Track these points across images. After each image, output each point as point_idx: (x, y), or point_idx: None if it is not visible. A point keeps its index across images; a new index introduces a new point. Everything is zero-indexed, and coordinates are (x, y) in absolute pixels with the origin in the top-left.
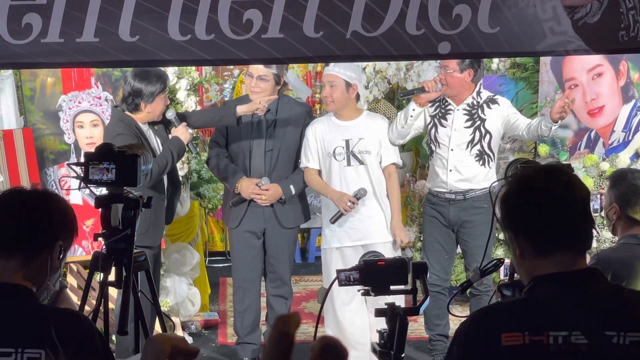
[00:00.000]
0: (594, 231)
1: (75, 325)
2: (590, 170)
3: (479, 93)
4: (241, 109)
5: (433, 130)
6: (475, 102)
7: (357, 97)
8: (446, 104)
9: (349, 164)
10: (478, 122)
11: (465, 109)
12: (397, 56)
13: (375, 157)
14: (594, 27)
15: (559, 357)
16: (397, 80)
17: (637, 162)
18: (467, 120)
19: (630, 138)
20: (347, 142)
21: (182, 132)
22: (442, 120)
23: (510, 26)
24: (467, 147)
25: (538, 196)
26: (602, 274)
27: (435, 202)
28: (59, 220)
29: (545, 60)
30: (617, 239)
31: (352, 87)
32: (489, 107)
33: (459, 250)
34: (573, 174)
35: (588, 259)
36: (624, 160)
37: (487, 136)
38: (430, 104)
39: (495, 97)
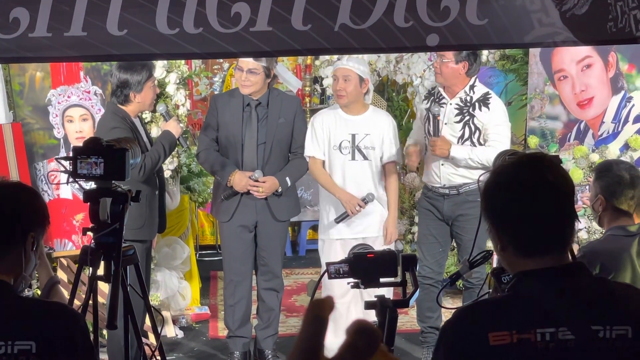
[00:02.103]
0: (579, 223)
1: (63, 317)
2: (580, 162)
3: (472, 87)
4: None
5: (427, 124)
6: (468, 98)
7: (367, 92)
8: (440, 97)
9: (353, 158)
10: (467, 118)
11: (457, 104)
12: (385, 48)
13: (378, 153)
14: (582, 18)
15: (547, 355)
16: (386, 72)
17: (627, 153)
18: (457, 115)
19: (619, 129)
20: (353, 136)
21: (173, 127)
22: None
23: (499, 18)
24: (458, 142)
25: (522, 199)
26: (587, 268)
27: (430, 195)
28: (28, 213)
29: (535, 52)
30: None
31: (365, 82)
32: (480, 108)
33: (454, 243)
34: (558, 165)
35: (576, 249)
36: (613, 151)
37: (477, 132)
38: (424, 99)
39: (489, 99)
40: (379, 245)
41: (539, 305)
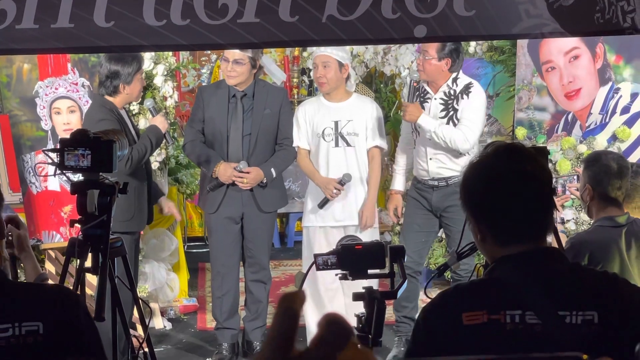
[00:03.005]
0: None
1: (66, 299)
2: (568, 153)
3: (455, 80)
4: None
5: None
6: (451, 91)
7: (347, 78)
8: (425, 92)
9: (336, 145)
10: (452, 113)
11: (442, 99)
12: (373, 40)
13: (362, 139)
14: (569, 9)
15: (516, 336)
16: (374, 64)
17: (614, 145)
18: (442, 110)
19: (607, 120)
20: (336, 123)
21: (160, 122)
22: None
23: (486, 9)
24: None
25: (501, 189)
26: (562, 254)
27: (420, 187)
28: None
29: (522, 43)
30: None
31: (344, 68)
32: (462, 98)
33: (440, 234)
34: (534, 154)
35: (564, 240)
36: (601, 142)
37: None
38: (409, 93)
39: (470, 88)
40: (363, 234)
41: (509, 288)
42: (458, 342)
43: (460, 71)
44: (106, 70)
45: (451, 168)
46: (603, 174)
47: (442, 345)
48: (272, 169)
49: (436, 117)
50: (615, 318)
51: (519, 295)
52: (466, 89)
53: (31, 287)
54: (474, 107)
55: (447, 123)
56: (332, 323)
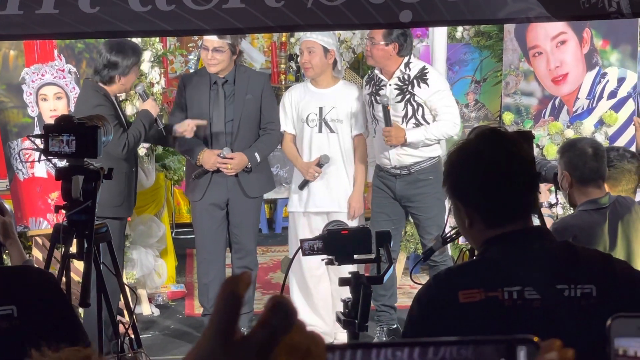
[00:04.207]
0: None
1: (38, 279)
2: (555, 138)
3: (407, 65)
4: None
5: (370, 108)
6: (405, 77)
7: (334, 64)
8: (380, 80)
9: (320, 131)
10: (408, 96)
11: (396, 84)
12: (358, 25)
13: (347, 126)
14: None
15: (515, 312)
16: (362, 49)
17: (601, 129)
18: (397, 95)
19: (594, 105)
20: (320, 109)
21: (151, 106)
22: (376, 97)
23: None
24: (402, 121)
25: (485, 171)
26: (550, 232)
27: (382, 175)
28: None
29: (509, 28)
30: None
31: (330, 53)
32: (419, 85)
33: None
34: (515, 136)
35: (549, 224)
36: (588, 127)
37: (420, 109)
38: (365, 84)
39: (426, 74)
40: (344, 219)
41: (505, 266)
42: (455, 322)
43: (412, 55)
44: (105, 60)
45: (412, 154)
46: (578, 158)
47: (439, 325)
48: (256, 154)
49: (393, 103)
50: (612, 292)
51: (516, 271)
52: (422, 75)
53: (2, 271)
54: (442, 93)
55: (405, 107)
56: (276, 306)
